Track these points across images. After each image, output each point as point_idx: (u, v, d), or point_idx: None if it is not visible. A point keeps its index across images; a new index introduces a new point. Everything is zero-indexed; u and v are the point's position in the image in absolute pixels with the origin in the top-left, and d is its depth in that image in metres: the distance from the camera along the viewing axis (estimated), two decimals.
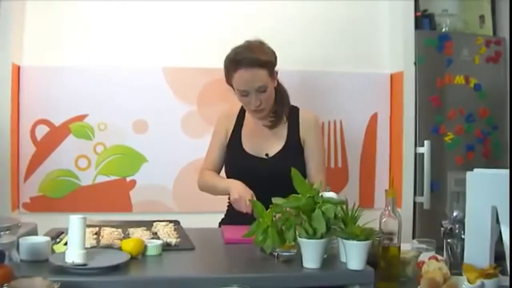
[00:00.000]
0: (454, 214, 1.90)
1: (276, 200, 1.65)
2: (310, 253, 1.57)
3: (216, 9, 3.04)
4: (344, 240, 1.58)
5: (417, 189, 3.06)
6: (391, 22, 3.17)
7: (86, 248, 1.67)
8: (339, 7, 3.15)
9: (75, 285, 1.45)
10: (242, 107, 2.37)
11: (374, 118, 3.18)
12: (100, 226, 2.01)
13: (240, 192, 2.10)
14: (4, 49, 2.73)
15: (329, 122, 3.14)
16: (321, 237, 1.57)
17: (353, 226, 1.60)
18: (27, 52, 2.89)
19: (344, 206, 1.66)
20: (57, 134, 2.90)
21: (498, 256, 1.71)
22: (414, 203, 3.07)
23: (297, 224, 1.60)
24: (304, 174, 2.29)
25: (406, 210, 3.05)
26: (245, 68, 2.18)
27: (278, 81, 2.35)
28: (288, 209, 1.63)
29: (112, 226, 2.01)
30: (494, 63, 3.16)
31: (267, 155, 2.29)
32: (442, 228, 1.93)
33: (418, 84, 3.05)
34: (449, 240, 1.88)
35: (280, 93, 2.35)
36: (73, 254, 1.54)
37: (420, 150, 3.03)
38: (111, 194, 2.95)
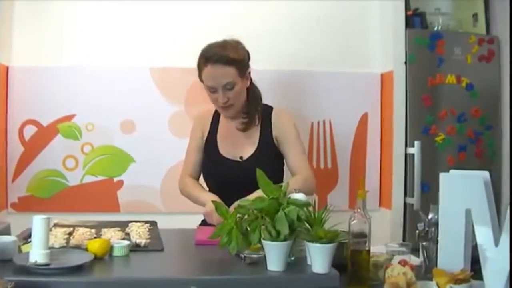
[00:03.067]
0: (430, 216, 1.87)
1: (241, 201, 1.64)
2: (274, 256, 1.55)
3: (203, 9, 3.02)
4: (308, 243, 1.55)
5: (408, 190, 3.02)
6: (381, 21, 3.13)
7: (54, 248, 1.69)
8: (329, 6, 3.12)
9: (38, 285, 1.46)
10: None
11: (364, 118, 3.14)
12: (74, 226, 2.02)
13: (213, 206, 2.10)
14: None
15: (318, 122, 3.11)
16: (285, 239, 1.55)
17: (318, 229, 1.57)
18: (16, 52, 2.89)
19: (311, 208, 1.63)
20: (45, 134, 2.90)
21: (477, 260, 1.68)
22: (405, 204, 3.03)
23: (262, 225, 1.59)
24: (279, 175, 2.28)
25: (396, 212, 3.02)
26: (213, 64, 2.19)
27: (251, 82, 2.34)
28: (254, 210, 1.62)
29: (88, 227, 2.01)
30: (487, 62, 3.10)
31: (241, 158, 2.28)
32: (417, 231, 1.91)
33: (408, 84, 3.01)
34: (424, 243, 1.85)
35: (253, 93, 2.34)
36: (36, 254, 1.54)
37: (411, 150, 2.99)
38: (98, 194, 2.94)
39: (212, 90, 2.23)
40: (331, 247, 1.54)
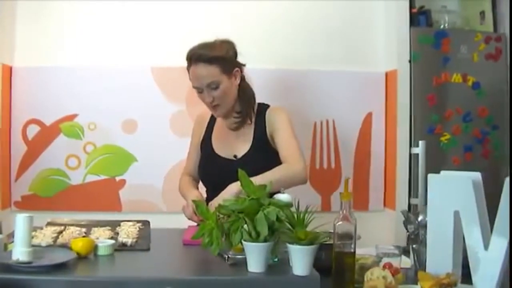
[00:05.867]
0: (420, 218, 1.82)
1: (224, 201, 1.62)
2: (254, 257, 1.53)
3: (205, 9, 3.01)
4: (289, 244, 1.53)
5: (412, 191, 2.97)
6: (385, 19, 3.08)
7: (40, 247, 1.70)
8: (333, 4, 3.09)
9: (19, 283, 1.46)
10: None
11: (368, 118, 3.10)
12: (66, 225, 2.03)
13: (189, 202, 2.11)
14: None
15: (321, 122, 3.08)
16: (265, 241, 1.52)
17: (300, 230, 1.55)
18: (19, 53, 2.92)
19: (294, 209, 1.61)
20: (48, 134, 2.93)
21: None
22: (409, 205, 2.98)
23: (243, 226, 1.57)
24: None
25: (400, 212, 2.97)
26: (195, 64, 2.19)
27: (244, 80, 2.31)
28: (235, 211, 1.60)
29: (80, 226, 2.02)
30: (494, 61, 3.03)
31: (235, 156, 2.26)
32: (407, 233, 1.87)
33: (413, 83, 2.96)
34: (414, 246, 1.81)
35: (245, 92, 2.30)
36: (19, 252, 1.55)
37: (415, 150, 2.94)
38: (100, 193, 2.96)
39: (199, 90, 2.22)
40: (311, 249, 1.51)
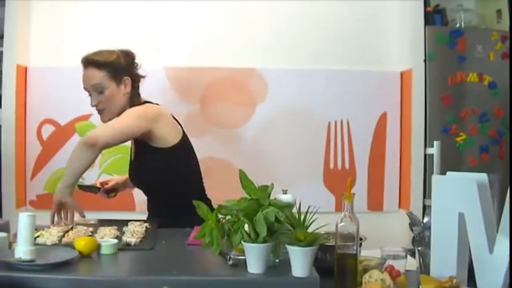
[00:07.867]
0: (425, 220, 1.80)
1: (225, 201, 1.61)
2: (253, 258, 1.52)
3: (218, 9, 3.02)
4: (288, 246, 1.52)
5: (427, 192, 2.92)
6: (400, 18, 3.06)
7: (45, 245, 1.72)
8: (348, 4, 3.08)
9: (21, 280, 1.48)
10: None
11: (383, 118, 3.07)
12: (73, 225, 2.04)
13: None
14: (9, 50, 2.81)
15: (335, 122, 3.06)
16: (264, 242, 1.51)
17: (299, 231, 1.53)
18: (34, 53, 2.98)
19: (295, 210, 1.59)
20: (62, 134, 2.98)
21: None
22: (424, 205, 2.94)
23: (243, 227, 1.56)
24: (180, 173, 2.34)
25: (415, 213, 2.93)
26: (85, 68, 2.28)
27: (135, 88, 2.32)
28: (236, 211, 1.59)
29: (87, 225, 2.04)
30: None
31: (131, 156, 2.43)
32: (412, 235, 1.84)
33: (428, 82, 2.93)
34: (419, 248, 1.78)
35: (134, 102, 2.31)
36: (21, 251, 1.56)
37: (430, 151, 2.90)
38: None
39: (89, 94, 2.28)
40: (311, 250, 1.49)
